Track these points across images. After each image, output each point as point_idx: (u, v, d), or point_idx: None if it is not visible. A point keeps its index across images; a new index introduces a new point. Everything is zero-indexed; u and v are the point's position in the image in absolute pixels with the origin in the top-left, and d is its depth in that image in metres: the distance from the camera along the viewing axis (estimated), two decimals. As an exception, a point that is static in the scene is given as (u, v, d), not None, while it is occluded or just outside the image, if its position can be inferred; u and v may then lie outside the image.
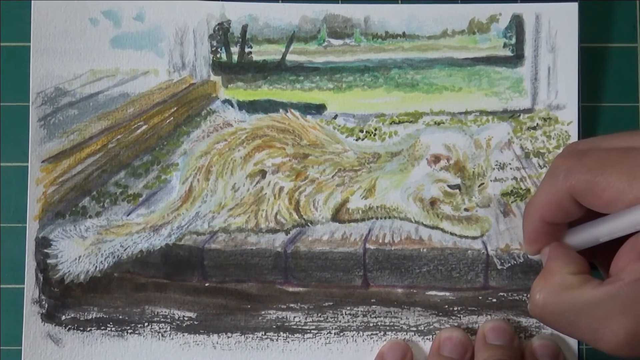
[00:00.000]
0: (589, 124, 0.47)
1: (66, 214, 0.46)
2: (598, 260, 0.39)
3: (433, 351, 0.45)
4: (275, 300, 0.46)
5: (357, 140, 0.47)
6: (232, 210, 0.47)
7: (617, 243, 0.35)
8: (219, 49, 0.47)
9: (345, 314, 0.46)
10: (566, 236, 0.39)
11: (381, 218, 0.47)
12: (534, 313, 0.37)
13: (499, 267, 0.46)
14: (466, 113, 0.47)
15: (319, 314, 0.46)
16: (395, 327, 0.46)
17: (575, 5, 0.47)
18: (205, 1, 0.47)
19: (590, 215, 0.37)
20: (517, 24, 0.47)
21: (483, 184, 0.46)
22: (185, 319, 0.46)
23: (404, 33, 0.47)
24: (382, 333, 0.46)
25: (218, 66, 0.47)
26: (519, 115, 0.47)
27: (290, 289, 0.46)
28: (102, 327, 0.46)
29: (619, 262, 0.34)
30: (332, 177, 0.47)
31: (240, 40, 0.47)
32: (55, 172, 0.46)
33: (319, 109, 0.47)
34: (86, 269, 0.46)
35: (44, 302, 0.45)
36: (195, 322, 0.46)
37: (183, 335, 0.46)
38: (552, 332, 0.45)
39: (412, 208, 0.46)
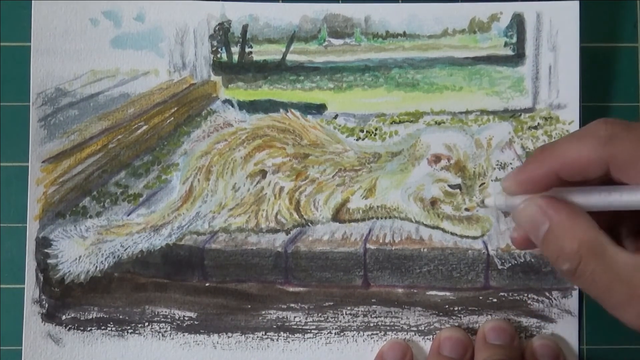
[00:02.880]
0: (590, 123, 0.47)
1: (66, 214, 0.46)
2: None
3: (433, 351, 0.45)
4: (275, 300, 0.46)
5: (357, 140, 0.47)
6: (233, 210, 0.47)
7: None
8: (219, 49, 0.47)
9: (346, 314, 0.46)
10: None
11: (381, 218, 0.47)
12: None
13: (500, 267, 0.46)
14: (467, 112, 0.47)
15: (320, 314, 0.46)
16: (396, 327, 0.46)
17: (576, 4, 0.46)
18: (205, 1, 0.47)
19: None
20: (518, 23, 0.47)
21: (484, 183, 0.46)
22: (186, 318, 0.46)
23: (404, 32, 0.47)
24: (382, 333, 0.46)
25: (218, 66, 0.47)
26: (520, 115, 0.47)
27: (291, 289, 0.46)
28: (103, 327, 0.46)
29: None
30: (333, 177, 0.47)
31: (241, 40, 0.47)
32: (56, 172, 0.46)
33: (319, 108, 0.47)
34: (86, 269, 0.46)
35: (44, 302, 0.45)
36: (196, 322, 0.46)
37: (183, 335, 0.46)
38: (552, 332, 0.45)
39: (413, 208, 0.46)
